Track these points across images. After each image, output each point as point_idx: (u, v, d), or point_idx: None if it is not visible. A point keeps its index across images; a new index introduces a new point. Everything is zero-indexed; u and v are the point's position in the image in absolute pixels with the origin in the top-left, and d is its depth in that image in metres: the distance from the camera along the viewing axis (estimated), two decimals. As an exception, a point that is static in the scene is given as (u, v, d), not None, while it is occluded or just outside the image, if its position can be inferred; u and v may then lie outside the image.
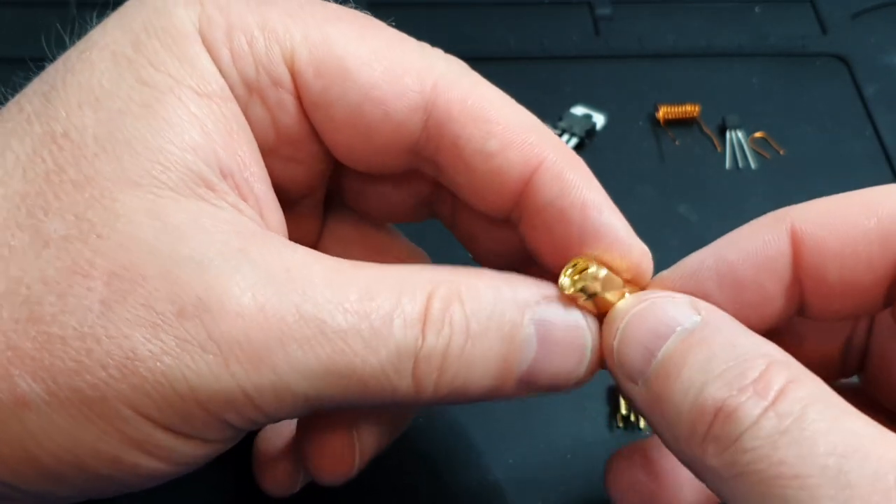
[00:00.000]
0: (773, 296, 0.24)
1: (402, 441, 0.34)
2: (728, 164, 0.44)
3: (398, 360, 0.22)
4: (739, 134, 0.45)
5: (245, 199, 0.24)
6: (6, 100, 0.24)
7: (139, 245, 0.21)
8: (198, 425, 0.21)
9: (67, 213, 0.21)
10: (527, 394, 0.25)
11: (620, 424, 0.34)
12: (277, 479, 0.29)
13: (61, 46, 0.25)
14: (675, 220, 0.42)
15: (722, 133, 0.45)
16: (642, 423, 0.34)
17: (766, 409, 0.20)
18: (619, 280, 0.25)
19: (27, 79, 0.24)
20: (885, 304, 0.25)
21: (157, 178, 0.22)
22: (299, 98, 0.25)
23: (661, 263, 0.40)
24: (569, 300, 0.24)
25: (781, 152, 0.45)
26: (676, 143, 0.45)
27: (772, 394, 0.20)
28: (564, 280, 0.24)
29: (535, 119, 0.26)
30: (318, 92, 0.25)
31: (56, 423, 0.21)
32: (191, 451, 0.22)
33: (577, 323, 0.24)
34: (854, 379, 0.28)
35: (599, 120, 0.45)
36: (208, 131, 0.23)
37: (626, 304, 0.24)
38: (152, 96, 0.22)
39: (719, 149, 0.45)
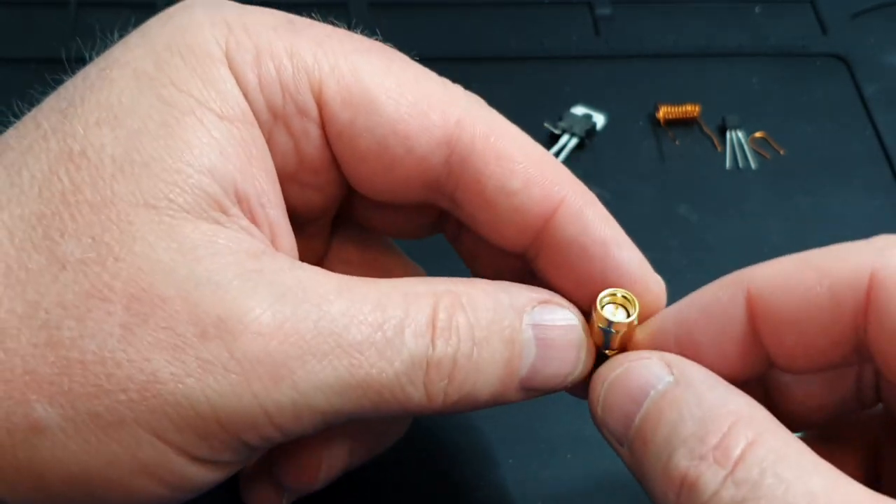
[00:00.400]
0: (732, 356, 0.24)
1: (403, 441, 0.34)
2: (728, 164, 0.44)
3: (411, 369, 0.23)
4: (739, 134, 0.45)
5: (258, 225, 0.24)
6: (20, 111, 0.24)
7: (156, 267, 0.21)
8: (215, 446, 0.21)
9: (84, 235, 0.21)
10: (526, 397, 0.25)
11: (620, 424, 0.34)
12: (261, 497, 0.29)
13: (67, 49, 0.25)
14: (675, 220, 0.42)
15: (722, 133, 0.45)
16: (642, 423, 0.34)
17: (725, 479, 0.20)
18: (635, 331, 0.26)
19: (44, 93, 0.24)
20: (859, 361, 0.24)
21: (174, 200, 0.22)
22: (324, 128, 0.25)
23: (661, 263, 0.40)
24: (586, 323, 0.26)
25: (781, 152, 0.45)
26: (676, 143, 0.45)
27: (731, 460, 0.20)
28: (609, 310, 0.25)
29: (551, 155, 0.27)
30: (344, 123, 0.25)
31: (69, 449, 0.21)
32: (200, 477, 0.22)
33: (572, 323, 0.25)
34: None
35: (599, 120, 0.45)
36: (227, 155, 0.23)
37: (605, 369, 0.25)
38: (172, 116, 0.22)
39: (719, 149, 0.45)
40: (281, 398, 0.21)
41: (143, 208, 0.21)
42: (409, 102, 0.25)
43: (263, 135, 0.24)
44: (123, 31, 0.25)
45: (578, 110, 0.45)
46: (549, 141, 0.44)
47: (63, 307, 0.21)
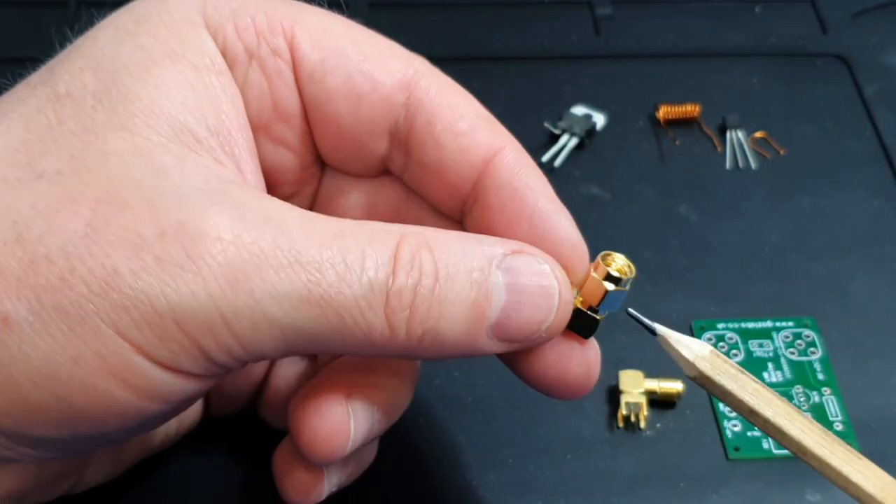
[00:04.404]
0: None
1: (402, 440, 0.34)
2: (728, 164, 0.44)
3: (370, 294, 0.23)
4: (740, 134, 0.45)
5: (228, 158, 0.25)
6: None
7: (126, 179, 0.22)
8: (175, 349, 0.22)
9: (63, 153, 0.23)
10: (504, 348, 0.25)
11: (620, 424, 0.34)
12: (300, 483, 0.28)
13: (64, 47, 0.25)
14: (675, 220, 0.42)
15: (722, 133, 0.45)
16: (642, 423, 0.34)
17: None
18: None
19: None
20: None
21: (147, 124, 0.23)
22: (295, 71, 0.27)
23: (661, 263, 0.40)
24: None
25: (781, 152, 0.45)
26: (676, 143, 0.45)
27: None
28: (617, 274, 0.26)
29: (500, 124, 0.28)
30: (314, 64, 0.27)
31: (36, 345, 0.21)
32: (168, 384, 0.22)
33: (544, 270, 0.25)
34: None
35: (599, 120, 0.45)
36: (199, 96, 0.25)
37: None
38: (149, 59, 0.24)
39: (719, 149, 0.45)
40: (237, 302, 0.22)
41: (119, 131, 0.23)
42: (373, 50, 0.27)
43: (240, 77, 0.26)
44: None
45: (578, 110, 0.45)
46: (549, 141, 0.44)
47: (34, 209, 0.22)
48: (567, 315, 0.26)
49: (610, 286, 0.25)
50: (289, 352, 0.24)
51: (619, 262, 0.26)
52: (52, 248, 0.21)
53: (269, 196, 0.24)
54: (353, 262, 0.23)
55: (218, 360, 0.23)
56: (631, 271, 0.26)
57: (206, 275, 0.21)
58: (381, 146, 0.28)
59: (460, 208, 0.28)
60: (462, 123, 0.27)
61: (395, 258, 0.24)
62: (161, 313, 0.21)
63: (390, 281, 0.23)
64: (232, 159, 0.25)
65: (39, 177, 0.22)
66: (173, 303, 0.21)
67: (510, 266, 0.25)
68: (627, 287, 0.26)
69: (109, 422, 0.22)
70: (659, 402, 0.35)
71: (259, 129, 0.27)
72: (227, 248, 0.22)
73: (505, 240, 0.26)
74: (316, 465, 0.28)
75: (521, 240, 0.26)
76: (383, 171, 0.29)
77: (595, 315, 0.26)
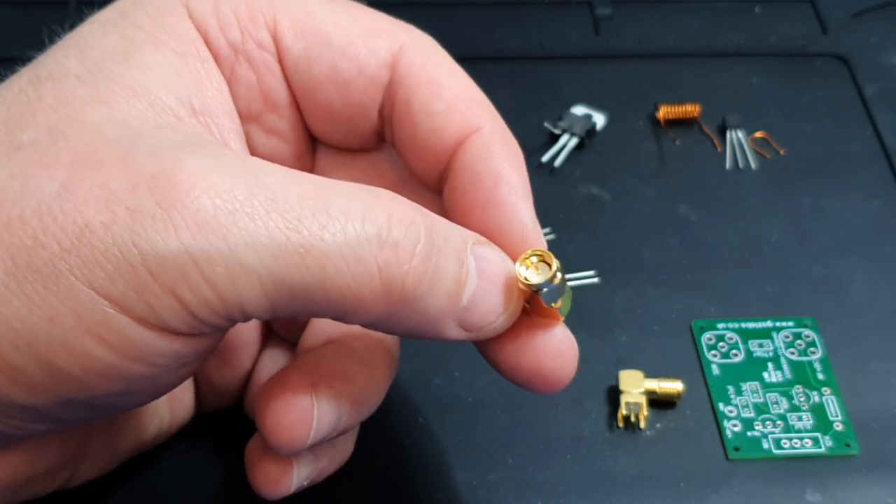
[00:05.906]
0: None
1: (401, 440, 0.34)
2: (728, 164, 0.44)
3: (358, 245, 0.22)
4: (740, 134, 0.45)
5: (213, 138, 0.25)
6: None
7: (101, 141, 0.22)
8: (153, 302, 0.21)
9: (41, 126, 0.23)
10: (457, 336, 0.25)
11: (620, 424, 0.34)
12: (270, 474, 0.28)
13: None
14: (675, 220, 0.42)
15: (722, 133, 0.45)
16: (642, 423, 0.34)
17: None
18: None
19: None
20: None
21: (127, 101, 0.23)
22: (281, 62, 0.27)
23: (661, 263, 0.40)
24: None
25: (782, 152, 0.45)
26: (676, 143, 0.45)
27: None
28: (531, 271, 0.25)
29: (487, 100, 0.28)
30: (298, 54, 0.27)
31: (13, 306, 0.21)
32: (149, 342, 0.22)
33: (507, 262, 0.25)
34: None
35: (599, 120, 0.45)
36: (183, 78, 0.25)
37: None
38: (132, 46, 0.25)
39: (719, 149, 0.45)
40: (209, 249, 0.21)
41: (99, 104, 0.23)
42: (357, 31, 0.27)
43: (227, 71, 0.27)
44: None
45: (578, 110, 0.45)
46: (549, 141, 0.44)
47: (11, 176, 0.22)
48: (517, 312, 0.25)
49: (536, 285, 0.24)
50: (272, 310, 0.23)
51: (534, 267, 0.25)
52: (25, 209, 0.21)
53: (252, 156, 0.24)
54: (337, 212, 0.22)
55: (198, 313, 0.22)
56: (548, 271, 0.24)
57: (177, 222, 0.21)
58: (373, 122, 0.28)
59: (437, 179, 0.28)
60: (438, 103, 0.27)
61: (389, 215, 0.23)
62: (133, 264, 0.21)
63: (384, 233, 0.23)
64: (217, 138, 0.25)
65: (18, 149, 0.22)
66: (145, 252, 0.21)
67: (479, 253, 0.25)
68: (555, 282, 0.24)
69: (92, 383, 0.22)
70: (659, 402, 0.35)
71: (251, 120, 0.27)
72: (199, 196, 0.21)
73: (468, 230, 0.25)
74: (281, 455, 0.28)
75: (475, 227, 0.26)
76: (381, 140, 0.29)
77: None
